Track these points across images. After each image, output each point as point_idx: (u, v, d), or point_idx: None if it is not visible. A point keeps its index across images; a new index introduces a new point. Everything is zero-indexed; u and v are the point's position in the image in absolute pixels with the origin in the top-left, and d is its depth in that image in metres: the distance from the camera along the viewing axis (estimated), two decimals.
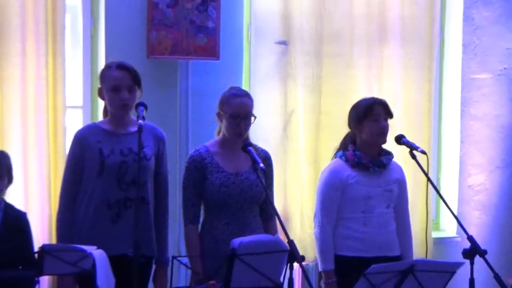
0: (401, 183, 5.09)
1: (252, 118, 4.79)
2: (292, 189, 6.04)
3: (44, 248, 4.37)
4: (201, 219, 4.90)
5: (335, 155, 5.10)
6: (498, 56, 6.44)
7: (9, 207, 4.72)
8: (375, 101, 5.05)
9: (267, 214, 4.90)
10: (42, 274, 4.48)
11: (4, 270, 4.48)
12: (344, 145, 5.07)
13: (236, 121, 4.72)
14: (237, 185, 4.75)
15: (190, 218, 4.81)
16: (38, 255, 4.35)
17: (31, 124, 5.73)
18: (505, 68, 6.46)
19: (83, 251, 4.28)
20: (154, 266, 4.90)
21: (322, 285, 4.99)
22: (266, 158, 4.90)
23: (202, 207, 4.87)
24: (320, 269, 5.02)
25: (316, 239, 5.03)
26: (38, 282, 4.57)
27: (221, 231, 4.75)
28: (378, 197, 4.94)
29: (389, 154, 5.04)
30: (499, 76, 6.45)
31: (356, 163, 4.94)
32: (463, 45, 6.38)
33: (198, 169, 4.78)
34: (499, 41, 6.43)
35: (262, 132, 5.70)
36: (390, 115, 5.00)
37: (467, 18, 6.37)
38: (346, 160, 4.98)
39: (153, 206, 4.80)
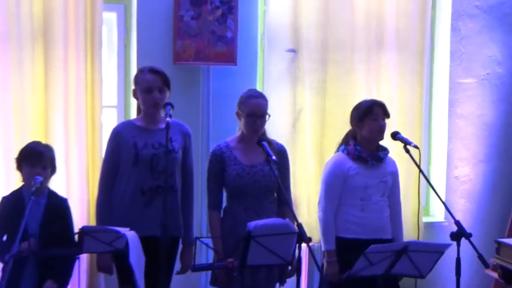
0: (395, 176, 5.10)
1: (267, 116, 4.81)
2: (300, 178, 6.04)
3: (83, 230, 4.39)
4: (224, 204, 4.94)
5: (338, 149, 5.11)
6: (482, 63, 6.42)
7: (53, 194, 4.74)
8: (374, 102, 5.06)
9: (281, 201, 4.91)
10: (81, 252, 4.52)
11: (49, 249, 4.51)
12: (346, 141, 5.07)
13: (253, 119, 4.74)
14: (252, 176, 4.77)
15: (212, 204, 4.85)
16: (78, 236, 4.38)
17: (72, 121, 5.75)
18: (487, 74, 6.44)
19: (118, 232, 4.30)
20: (180, 246, 4.93)
21: (325, 263, 5.01)
22: (281, 151, 4.92)
23: (224, 195, 4.91)
24: (323, 249, 5.04)
25: (319, 222, 5.03)
26: (78, 259, 4.61)
27: (240, 215, 4.76)
28: (375, 187, 4.94)
29: (385, 150, 5.05)
30: (483, 80, 6.43)
31: (356, 157, 4.95)
32: (451, 53, 6.37)
33: (218, 162, 4.81)
34: (483, 50, 6.41)
35: (274, 129, 5.69)
36: (387, 115, 5.01)
37: (454, 29, 6.36)
38: (348, 154, 4.98)
39: (180, 193, 4.83)
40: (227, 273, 4.57)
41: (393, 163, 5.11)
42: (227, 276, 4.63)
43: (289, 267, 4.71)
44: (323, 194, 5.02)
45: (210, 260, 5.15)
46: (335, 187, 4.97)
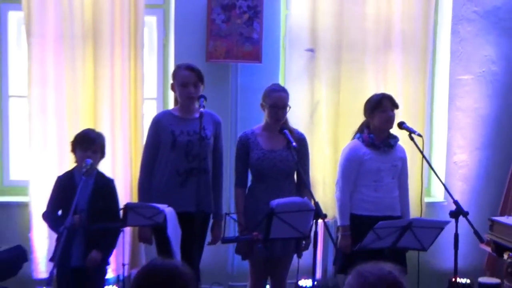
0: (404, 161, 5.08)
1: (288, 108, 4.82)
2: (317, 163, 6.03)
3: (127, 206, 4.43)
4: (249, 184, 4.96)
5: (354, 137, 5.10)
6: (478, 62, 6.37)
7: (100, 175, 4.77)
8: (383, 96, 5.04)
9: (300, 183, 4.92)
10: (126, 225, 4.56)
11: (96, 223, 4.54)
12: (361, 129, 5.06)
13: (275, 110, 4.74)
14: (271, 160, 4.77)
15: (238, 182, 4.86)
16: (123, 211, 4.42)
17: (117, 111, 5.80)
18: (483, 71, 6.39)
19: (157, 208, 4.33)
20: (211, 221, 4.96)
21: (339, 236, 5.02)
22: (301, 139, 4.91)
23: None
24: (338, 224, 5.05)
25: (336, 201, 5.03)
26: (122, 231, 4.65)
27: (260, 195, 4.77)
28: (386, 170, 4.93)
29: (395, 138, 5.03)
30: (479, 77, 6.39)
31: (370, 144, 4.94)
32: (451, 52, 6.32)
33: (244, 146, 4.82)
34: (479, 50, 6.37)
35: (294, 119, 5.67)
36: (396, 106, 4.99)
37: (454, 32, 6.31)
38: (363, 141, 4.97)
39: (211, 175, 4.85)
40: (248, 244, 4.63)
41: (402, 150, 5.09)
42: (248, 247, 4.68)
43: (303, 242, 4.71)
44: (340, 176, 5.02)
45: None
46: (351, 170, 4.96)
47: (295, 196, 4.70)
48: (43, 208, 4.84)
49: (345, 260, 4.86)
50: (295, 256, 4.75)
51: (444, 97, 6.42)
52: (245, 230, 4.69)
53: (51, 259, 4.05)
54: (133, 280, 2.40)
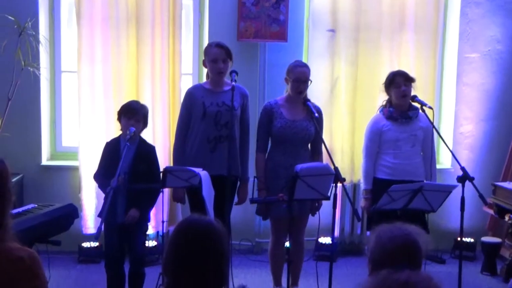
0: (426, 130, 4.91)
1: (309, 82, 4.77)
2: (336, 132, 6.00)
3: (166, 169, 4.44)
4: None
5: (378, 110, 5.05)
6: (484, 41, 6.28)
7: (143, 141, 4.75)
8: (395, 73, 4.95)
9: (315, 151, 4.87)
10: (165, 186, 4.56)
11: (136, 184, 4.55)
12: (385, 104, 4.99)
13: (297, 83, 4.68)
14: (292, 128, 4.71)
15: (259, 148, 4.81)
16: (162, 174, 4.43)
17: (157, 85, 5.80)
18: (489, 50, 6.28)
19: (193, 171, 4.32)
20: (239, 183, 4.92)
21: (362, 198, 5.01)
22: (319, 111, 4.87)
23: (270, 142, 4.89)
24: (363, 188, 5.02)
25: (362, 167, 5.00)
26: (162, 192, 4.65)
27: (280, 158, 4.72)
28: (404, 140, 4.83)
29: (415, 110, 4.93)
30: (485, 55, 6.29)
31: (389, 116, 4.86)
32: (459, 33, 6.22)
33: (267, 115, 4.76)
34: (486, 30, 6.26)
35: (316, 92, 5.66)
36: (410, 80, 4.88)
37: (463, 14, 6.20)
38: (383, 114, 4.92)
39: (238, 141, 4.82)
40: (267, 206, 4.65)
41: (425, 120, 4.92)
42: (266, 208, 4.69)
43: (316, 203, 4.70)
44: (364, 145, 4.99)
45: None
46: (373, 140, 4.91)
47: (309, 161, 4.67)
48: (92, 171, 4.85)
49: (370, 219, 4.87)
50: (316, 216, 4.74)
51: (452, 73, 6.34)
52: (264, 189, 4.68)
53: (99, 215, 4.08)
54: (172, 234, 2.39)
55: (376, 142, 4.91)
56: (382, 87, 4.99)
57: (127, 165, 4.51)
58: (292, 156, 4.69)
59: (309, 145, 4.86)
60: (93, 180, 4.81)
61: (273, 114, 4.74)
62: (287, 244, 4.54)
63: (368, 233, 5.51)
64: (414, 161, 4.88)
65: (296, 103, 4.72)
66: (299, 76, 4.68)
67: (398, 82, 4.85)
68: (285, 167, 4.58)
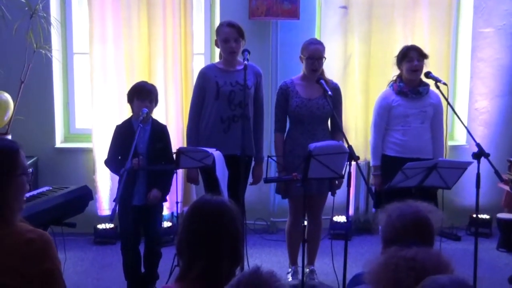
0: (436, 106, 4.87)
1: (323, 59, 4.73)
2: (349, 110, 5.95)
3: (180, 150, 4.43)
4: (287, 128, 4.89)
5: (388, 85, 5.01)
6: (499, 16, 6.20)
7: (156, 121, 4.75)
8: (408, 47, 4.89)
9: (334, 128, 4.84)
10: (179, 167, 4.56)
11: (154, 165, 4.57)
12: (395, 80, 4.95)
13: (312, 61, 4.65)
14: (308, 107, 4.68)
15: (278, 127, 4.80)
16: (176, 155, 4.42)
17: (170, 65, 5.79)
18: (504, 24, 6.21)
19: (206, 151, 4.32)
20: (253, 163, 4.92)
21: (372, 174, 4.99)
22: (335, 88, 4.80)
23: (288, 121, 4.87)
24: (371, 164, 5.01)
25: (370, 143, 4.98)
26: (176, 173, 4.66)
27: (297, 138, 4.71)
28: (414, 115, 4.79)
29: (426, 85, 4.88)
30: (499, 30, 6.22)
31: (399, 91, 4.82)
32: (474, 7, 6.14)
33: (284, 95, 4.74)
34: (500, 5, 6.18)
35: (329, 70, 5.59)
36: (424, 56, 4.82)
37: None
38: (393, 89, 4.88)
39: (252, 121, 4.80)
40: (287, 184, 4.62)
41: (436, 96, 4.87)
42: (286, 187, 4.66)
43: (336, 181, 4.67)
44: (373, 121, 4.95)
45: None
46: (382, 116, 4.86)
47: (328, 139, 4.65)
48: (105, 152, 4.87)
49: (379, 196, 4.81)
50: (329, 194, 4.72)
51: (467, 49, 6.28)
52: (283, 170, 4.67)
53: (114, 200, 4.08)
54: (186, 214, 2.39)
55: (385, 118, 4.86)
56: (394, 61, 4.94)
57: (144, 146, 4.52)
58: (310, 135, 4.68)
59: (328, 123, 4.83)
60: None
61: (289, 93, 4.71)
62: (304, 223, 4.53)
63: (373, 210, 5.50)
64: (423, 138, 4.84)
65: (312, 82, 4.68)
66: (313, 54, 4.64)
67: (411, 56, 4.79)
68: (303, 146, 4.56)
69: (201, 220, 2.32)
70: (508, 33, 6.24)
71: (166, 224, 5.85)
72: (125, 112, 5.50)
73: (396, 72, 4.94)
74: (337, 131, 4.73)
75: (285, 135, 4.82)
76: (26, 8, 5.40)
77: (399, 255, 2.06)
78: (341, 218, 5.93)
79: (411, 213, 2.50)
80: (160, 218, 4.86)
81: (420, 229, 2.46)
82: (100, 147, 5.66)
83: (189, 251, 2.31)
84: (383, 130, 4.88)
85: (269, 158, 4.37)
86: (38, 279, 2.25)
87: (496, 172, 4.21)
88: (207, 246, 2.28)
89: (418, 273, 1.97)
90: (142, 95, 4.55)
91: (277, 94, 4.80)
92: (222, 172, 4.27)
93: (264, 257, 5.51)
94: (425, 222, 2.49)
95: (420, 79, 4.84)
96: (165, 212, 5.66)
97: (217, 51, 4.88)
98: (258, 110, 4.82)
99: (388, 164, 4.78)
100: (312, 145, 4.07)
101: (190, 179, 4.86)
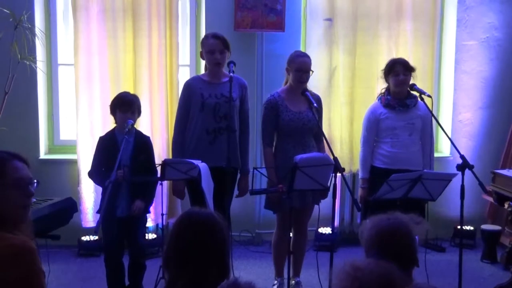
0: (424, 118, 4.89)
1: (311, 72, 4.74)
2: (334, 122, 5.98)
3: (165, 161, 4.41)
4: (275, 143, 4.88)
5: (377, 99, 5.03)
6: (482, 29, 6.26)
7: (139, 133, 4.73)
8: (394, 61, 4.93)
9: (317, 138, 4.85)
10: (164, 179, 4.53)
11: (137, 176, 4.54)
12: (383, 92, 4.98)
13: (300, 73, 4.64)
14: (300, 120, 4.68)
15: (267, 142, 4.75)
16: (161, 166, 4.39)
17: (155, 77, 5.78)
18: (487, 37, 6.27)
19: (192, 163, 4.29)
20: (238, 175, 4.89)
21: (360, 187, 5.00)
22: (318, 100, 4.84)
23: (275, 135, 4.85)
24: (360, 177, 5.01)
25: (360, 155, 5.00)
26: (161, 185, 4.62)
27: (290, 150, 4.68)
28: (401, 128, 4.82)
29: (414, 98, 4.90)
30: (483, 42, 6.27)
31: (386, 104, 4.85)
32: (457, 20, 6.19)
33: (273, 109, 4.69)
34: (483, 18, 6.24)
35: (314, 82, 5.63)
36: (410, 69, 4.85)
37: (460, 1, 6.17)
38: (381, 102, 4.91)
39: (238, 133, 4.79)
40: (279, 197, 4.59)
41: (423, 108, 4.89)
42: (277, 199, 4.62)
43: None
44: (363, 134, 4.98)
45: (264, 187, 5.14)
46: (370, 129, 4.90)
47: (316, 150, 4.66)
48: (90, 164, 4.84)
49: (366, 208, 4.82)
50: (315, 206, 4.72)
51: (450, 61, 6.32)
52: (276, 184, 4.65)
53: (98, 211, 4.05)
54: (173, 226, 2.38)
55: (374, 131, 4.90)
56: (381, 74, 4.97)
57: (127, 158, 4.50)
58: (301, 147, 4.68)
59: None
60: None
61: (279, 108, 4.68)
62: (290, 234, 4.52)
63: (359, 221, 5.50)
64: (411, 150, 4.86)
65: (297, 94, 4.67)
66: (301, 66, 4.64)
67: (397, 70, 4.82)
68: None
69: (190, 232, 2.31)
70: (491, 45, 6.29)
71: (151, 236, 5.82)
72: (110, 123, 5.46)
73: (382, 84, 4.97)
74: (321, 142, 4.74)
75: (274, 148, 4.80)
76: (11, 19, 5.37)
77: (351, 264, 2.07)
78: (327, 230, 5.93)
79: (387, 225, 2.54)
80: (143, 230, 4.84)
81: (395, 240, 2.50)
82: (85, 158, 5.63)
83: (176, 263, 2.29)
84: (372, 143, 4.91)
85: (255, 170, 4.36)
86: (15, 285, 2.20)
87: (480, 184, 4.21)
88: (194, 259, 2.27)
89: (362, 285, 1.97)
90: (124, 106, 4.53)
91: (265, 109, 4.74)
92: (207, 184, 4.25)
93: (250, 269, 5.49)
94: (402, 233, 2.53)
95: (408, 92, 4.87)
96: (150, 224, 5.64)
97: (203, 63, 4.88)
98: (243, 123, 4.82)
99: (376, 176, 4.79)
100: (298, 157, 4.07)
101: (176, 192, 4.81)
